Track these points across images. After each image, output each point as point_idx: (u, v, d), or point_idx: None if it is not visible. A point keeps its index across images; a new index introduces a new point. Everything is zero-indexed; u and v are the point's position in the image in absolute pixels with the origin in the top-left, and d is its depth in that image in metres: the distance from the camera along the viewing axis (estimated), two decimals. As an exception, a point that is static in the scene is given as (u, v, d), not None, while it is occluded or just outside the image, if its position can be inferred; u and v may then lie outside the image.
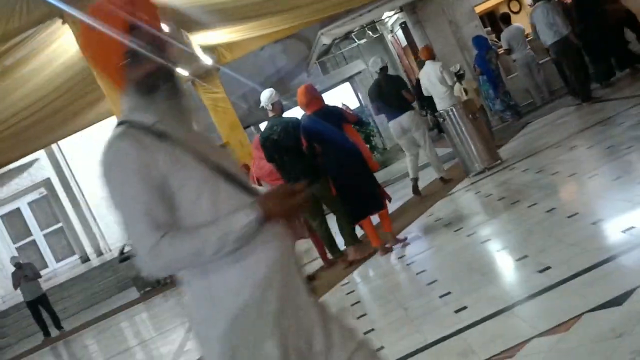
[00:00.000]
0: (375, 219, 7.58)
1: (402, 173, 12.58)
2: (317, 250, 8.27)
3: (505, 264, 5.36)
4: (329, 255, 8.14)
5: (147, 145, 2.04)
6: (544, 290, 4.17)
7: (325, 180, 7.50)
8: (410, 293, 5.76)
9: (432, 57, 10.62)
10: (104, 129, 14.01)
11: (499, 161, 9.14)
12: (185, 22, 8.57)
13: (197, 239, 1.99)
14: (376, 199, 7.33)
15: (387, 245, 7.38)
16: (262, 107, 7.86)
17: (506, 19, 14.01)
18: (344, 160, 7.24)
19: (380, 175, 10.91)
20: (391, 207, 8.10)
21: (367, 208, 7.31)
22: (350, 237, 7.59)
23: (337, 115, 7.46)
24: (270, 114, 7.77)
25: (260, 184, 7.97)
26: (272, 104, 7.69)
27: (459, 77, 11.00)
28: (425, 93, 10.87)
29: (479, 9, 15.15)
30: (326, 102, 7.70)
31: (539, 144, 9.19)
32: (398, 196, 10.30)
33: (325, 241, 8.00)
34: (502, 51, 13.77)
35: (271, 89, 7.94)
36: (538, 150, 8.71)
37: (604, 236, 4.87)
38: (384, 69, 9.59)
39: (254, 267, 2.06)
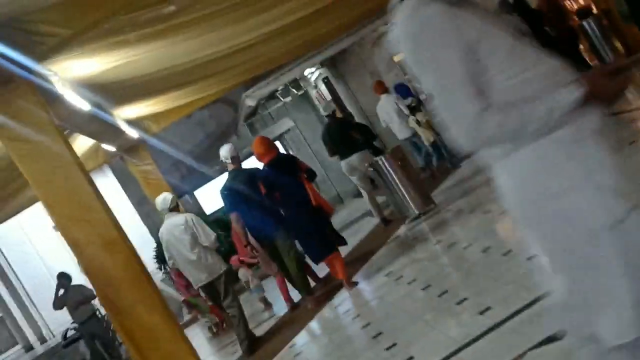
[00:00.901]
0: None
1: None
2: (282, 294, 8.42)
3: (447, 309, 5.36)
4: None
5: (453, 11, 1.90)
6: (486, 331, 4.18)
7: (284, 229, 7.73)
8: (357, 348, 5.71)
9: (385, 90, 11.07)
10: (34, 215, 13.81)
11: (433, 205, 9.22)
12: (108, 98, 8.48)
13: (521, 113, 1.86)
14: (330, 242, 7.57)
15: (352, 280, 7.59)
16: (222, 160, 8.16)
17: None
18: (301, 206, 7.43)
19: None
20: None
21: (328, 249, 7.49)
22: (304, 288, 7.87)
23: (292, 163, 7.77)
24: (230, 167, 8.09)
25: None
26: (232, 158, 8.01)
27: (412, 109, 11.36)
28: (383, 125, 11.39)
29: (398, 57, 15.46)
30: (280, 152, 8.03)
31: (469, 184, 9.32)
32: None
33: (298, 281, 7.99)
34: (426, 97, 14.02)
35: (230, 144, 8.37)
36: (470, 191, 8.83)
37: (540, 271, 4.92)
38: (332, 114, 10.27)
39: (583, 131, 1.92)
